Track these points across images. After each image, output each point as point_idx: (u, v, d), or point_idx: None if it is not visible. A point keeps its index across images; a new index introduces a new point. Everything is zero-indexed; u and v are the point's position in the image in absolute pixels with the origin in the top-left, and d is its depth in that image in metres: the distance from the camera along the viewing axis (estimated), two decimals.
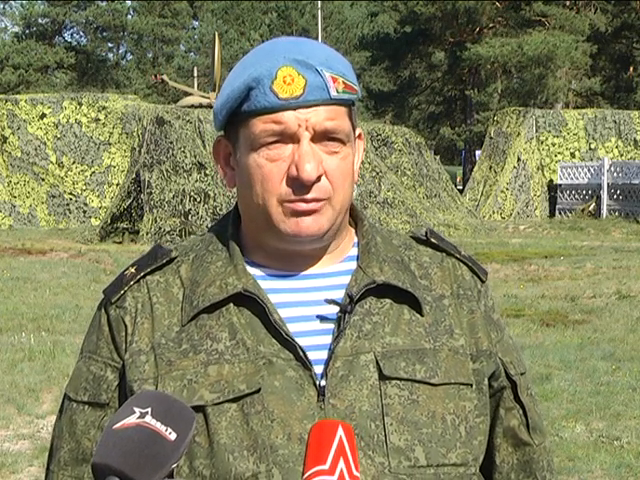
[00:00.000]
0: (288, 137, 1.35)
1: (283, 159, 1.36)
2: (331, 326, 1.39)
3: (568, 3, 41.56)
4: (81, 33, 61.31)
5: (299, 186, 1.35)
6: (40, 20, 56.62)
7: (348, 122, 1.39)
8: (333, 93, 1.36)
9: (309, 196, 1.36)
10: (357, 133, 1.45)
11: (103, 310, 1.46)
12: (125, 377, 1.40)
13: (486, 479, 1.52)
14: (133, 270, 1.46)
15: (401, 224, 20.58)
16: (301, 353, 1.35)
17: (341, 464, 1.29)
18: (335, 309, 1.39)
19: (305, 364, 1.35)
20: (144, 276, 1.45)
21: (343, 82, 1.37)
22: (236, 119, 1.39)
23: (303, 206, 1.36)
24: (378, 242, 1.47)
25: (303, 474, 1.31)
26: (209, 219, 19.25)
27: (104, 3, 56.26)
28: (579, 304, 11.88)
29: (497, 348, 1.49)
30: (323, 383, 1.35)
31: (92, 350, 1.46)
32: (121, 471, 1.13)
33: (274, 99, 1.34)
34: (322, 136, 1.36)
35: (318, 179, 1.35)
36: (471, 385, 1.43)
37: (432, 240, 1.52)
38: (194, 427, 1.20)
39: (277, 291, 1.41)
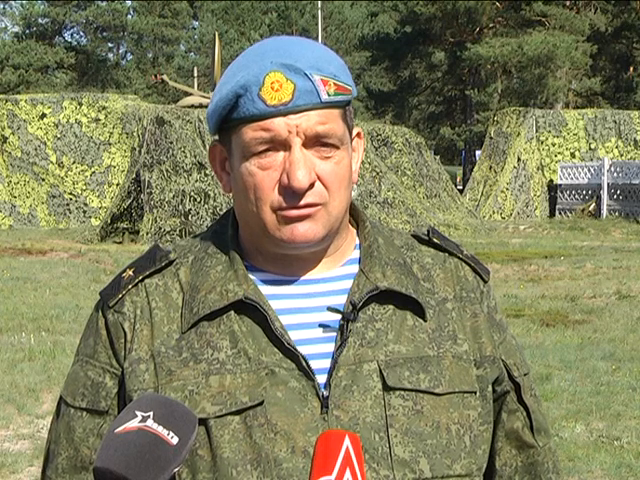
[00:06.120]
0: (279, 144, 1.33)
1: (275, 167, 1.33)
2: (333, 334, 1.37)
3: (568, 3, 41.55)
4: (81, 33, 61.40)
5: (291, 194, 1.33)
6: (40, 20, 56.60)
7: (342, 124, 1.36)
8: (324, 97, 1.33)
9: (302, 202, 1.33)
10: (355, 132, 1.43)
11: (100, 313, 1.44)
12: (124, 386, 1.38)
13: None
14: (131, 273, 1.43)
15: (401, 224, 20.58)
16: (304, 363, 1.33)
17: (347, 475, 1.28)
18: (337, 316, 1.37)
19: (308, 374, 1.33)
20: (142, 279, 1.42)
21: (334, 84, 1.34)
22: (227, 125, 1.37)
23: (295, 212, 1.34)
24: (380, 244, 1.45)
25: None
26: (209, 219, 19.25)
27: (104, 3, 56.24)
28: (579, 304, 11.88)
29: (500, 350, 1.47)
30: (326, 393, 1.33)
31: (89, 354, 1.44)
32: (123, 476, 1.12)
33: (262, 106, 1.32)
34: (314, 141, 1.33)
35: (311, 186, 1.33)
36: (475, 392, 1.41)
37: (434, 240, 1.50)
38: (196, 431, 1.19)
39: (278, 297, 1.39)
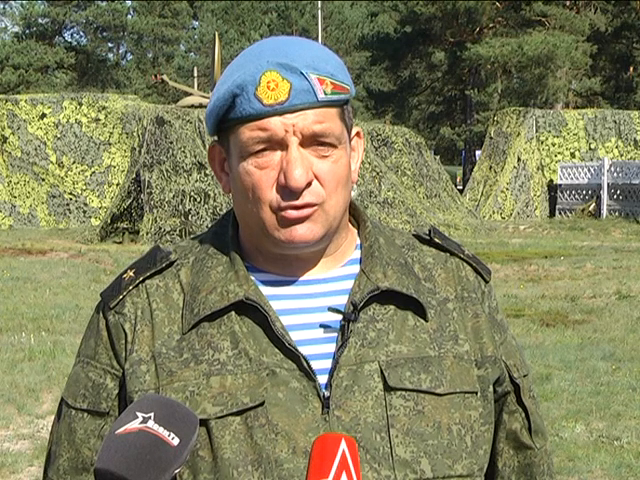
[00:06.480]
0: (276, 143, 1.33)
1: (272, 167, 1.33)
2: (334, 334, 1.37)
3: (568, 3, 41.54)
4: (81, 33, 61.36)
5: (289, 193, 1.33)
6: (40, 20, 56.57)
7: (339, 123, 1.36)
8: (320, 95, 1.33)
9: (300, 202, 1.33)
10: (354, 132, 1.43)
11: (101, 314, 1.44)
12: (125, 387, 1.38)
13: None
14: (132, 274, 1.43)
15: (401, 224, 20.58)
16: (305, 363, 1.33)
17: (343, 478, 1.27)
18: (338, 316, 1.37)
19: (309, 374, 1.33)
20: (143, 280, 1.42)
21: (331, 83, 1.34)
22: (225, 126, 1.37)
23: (294, 213, 1.33)
24: (381, 244, 1.44)
25: None
26: (209, 219, 19.26)
27: (104, 3, 56.22)
28: (579, 304, 11.89)
29: (501, 351, 1.47)
30: (327, 394, 1.33)
31: (90, 356, 1.44)
32: (123, 477, 1.12)
33: (259, 105, 1.32)
34: (311, 140, 1.33)
35: (308, 185, 1.33)
36: (476, 393, 1.41)
37: (435, 240, 1.49)
38: (197, 432, 1.19)
39: (278, 297, 1.39)
